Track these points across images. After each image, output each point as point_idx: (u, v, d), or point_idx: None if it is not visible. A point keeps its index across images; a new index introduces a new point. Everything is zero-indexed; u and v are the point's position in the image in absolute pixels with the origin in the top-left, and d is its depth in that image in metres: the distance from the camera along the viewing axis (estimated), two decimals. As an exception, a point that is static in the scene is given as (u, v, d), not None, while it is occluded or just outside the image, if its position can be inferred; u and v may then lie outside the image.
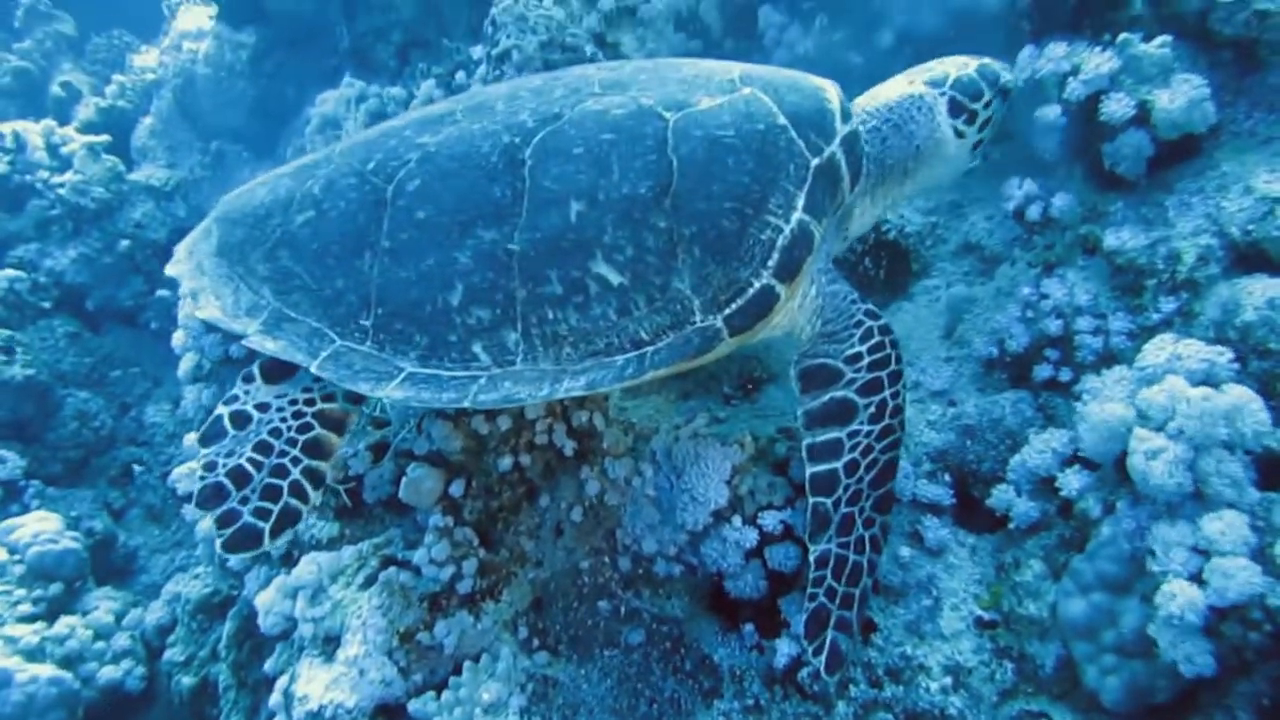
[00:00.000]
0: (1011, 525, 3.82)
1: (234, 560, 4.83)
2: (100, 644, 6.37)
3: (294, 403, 3.35)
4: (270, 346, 3.16)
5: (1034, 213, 4.31)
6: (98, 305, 9.55)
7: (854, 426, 3.27)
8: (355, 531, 4.37)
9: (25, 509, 7.60)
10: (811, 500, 3.29)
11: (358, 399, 3.41)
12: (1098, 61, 3.93)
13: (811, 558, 3.28)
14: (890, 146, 3.60)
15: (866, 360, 3.32)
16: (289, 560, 4.30)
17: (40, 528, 6.78)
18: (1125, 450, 3.26)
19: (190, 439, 5.27)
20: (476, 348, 3.12)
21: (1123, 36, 3.90)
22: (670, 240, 3.11)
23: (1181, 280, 3.81)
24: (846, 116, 3.41)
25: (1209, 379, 3.21)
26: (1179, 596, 3.01)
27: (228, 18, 10.29)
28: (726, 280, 3.15)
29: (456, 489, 3.84)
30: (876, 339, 3.35)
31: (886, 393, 3.30)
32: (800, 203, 3.22)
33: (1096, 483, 3.54)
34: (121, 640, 6.48)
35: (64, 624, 6.33)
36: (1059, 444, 3.71)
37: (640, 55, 6.08)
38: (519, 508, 3.95)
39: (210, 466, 3.24)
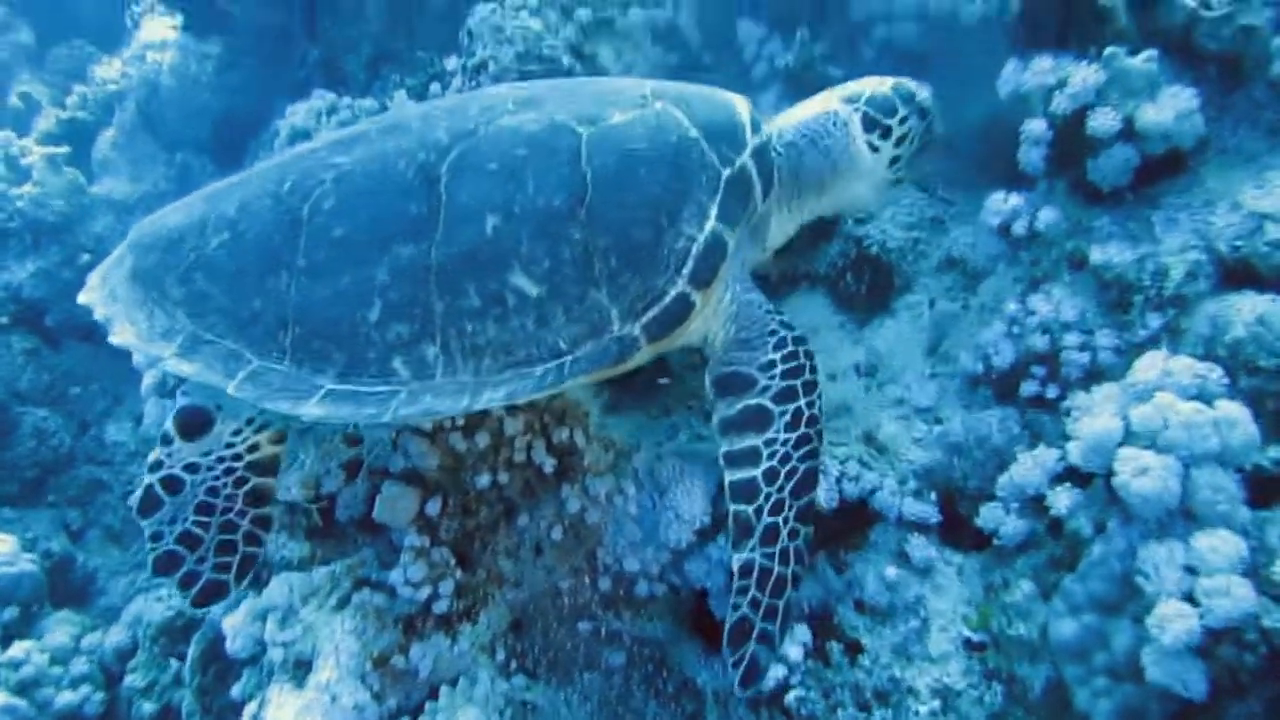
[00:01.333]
0: (999, 543, 3.77)
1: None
2: (57, 669, 6.16)
3: (222, 460, 3.42)
4: (186, 369, 3.14)
5: (1020, 228, 4.29)
6: (57, 321, 9.27)
7: (770, 434, 3.29)
8: (327, 552, 4.26)
9: (-20, 529, 7.36)
10: (732, 507, 3.27)
11: (281, 438, 3.50)
12: (1084, 75, 3.91)
13: (734, 567, 3.24)
14: (806, 161, 3.68)
15: (780, 369, 3.35)
16: (258, 581, 4.17)
17: (-6, 549, 6.57)
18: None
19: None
20: (396, 362, 3.13)
21: (1109, 50, 3.89)
22: (586, 251, 3.15)
23: (1169, 296, 3.79)
24: (756, 128, 3.51)
25: (1201, 396, 3.18)
26: (1171, 617, 2.96)
27: (193, 28, 10.11)
28: (643, 289, 3.20)
29: (433, 508, 3.77)
30: (790, 348, 3.38)
31: (802, 401, 3.32)
32: (713, 212, 3.29)
33: (1087, 501, 3.49)
34: (79, 665, 6.27)
35: (19, 649, 6.11)
36: (1049, 461, 3.66)
37: (618, 67, 6.03)
38: (497, 527, 3.88)
39: (157, 536, 3.38)
